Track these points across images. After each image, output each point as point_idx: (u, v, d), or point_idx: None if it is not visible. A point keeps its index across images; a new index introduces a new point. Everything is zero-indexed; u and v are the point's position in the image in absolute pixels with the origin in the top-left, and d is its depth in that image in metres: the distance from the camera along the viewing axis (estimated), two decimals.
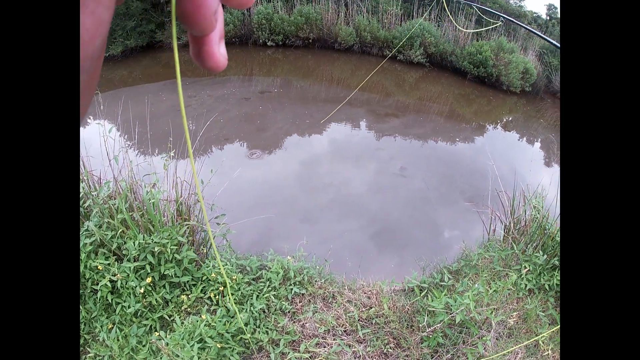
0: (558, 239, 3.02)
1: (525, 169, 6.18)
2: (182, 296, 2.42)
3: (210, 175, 2.81)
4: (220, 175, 3.50)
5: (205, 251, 2.83)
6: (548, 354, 2.48)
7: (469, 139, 6.88)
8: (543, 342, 2.55)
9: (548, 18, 13.46)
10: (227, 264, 2.57)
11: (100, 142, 2.69)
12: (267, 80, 7.84)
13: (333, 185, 4.56)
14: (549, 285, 2.85)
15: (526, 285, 2.82)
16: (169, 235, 2.43)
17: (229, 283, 2.46)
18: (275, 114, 6.29)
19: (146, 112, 4.91)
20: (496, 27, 10.48)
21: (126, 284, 2.26)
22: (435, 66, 9.83)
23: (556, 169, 7.03)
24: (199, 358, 2.00)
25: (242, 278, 2.49)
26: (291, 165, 4.94)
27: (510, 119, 9.13)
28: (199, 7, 0.25)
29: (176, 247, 2.43)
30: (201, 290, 2.47)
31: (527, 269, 2.86)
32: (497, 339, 2.49)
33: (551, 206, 3.36)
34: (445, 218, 4.26)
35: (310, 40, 9.30)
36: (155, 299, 2.35)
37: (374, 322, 2.39)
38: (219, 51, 0.29)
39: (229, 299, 2.36)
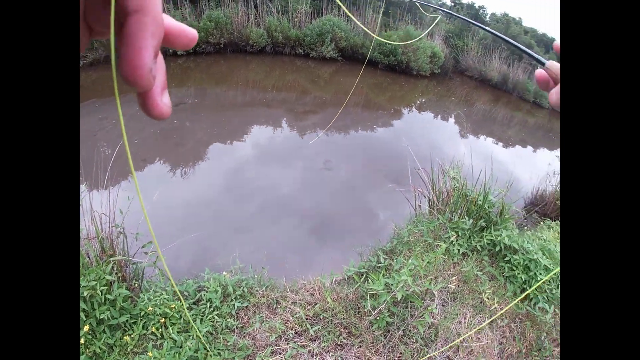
0: (480, 202, 3.29)
1: (443, 144, 6.72)
2: (125, 337, 2.23)
3: (129, 202, 2.61)
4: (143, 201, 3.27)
5: (137, 285, 2.63)
6: (495, 307, 2.72)
7: (387, 125, 7.28)
8: (488, 298, 2.80)
9: (452, 4, 14.76)
10: (162, 294, 2.41)
11: None
12: (181, 91, 7.47)
13: (261, 189, 4.51)
14: (480, 245, 3.09)
15: (459, 250, 3.01)
16: (97, 275, 2.23)
17: (184, 304, 2.32)
18: (193, 126, 6.03)
19: None
20: (403, 17, 11.16)
21: None
22: (347, 59, 10.20)
23: (470, 140, 7.76)
24: None
25: (181, 305, 2.36)
26: (215, 176, 4.78)
27: (424, 100, 9.84)
28: (135, 69, 0.28)
29: (106, 287, 2.23)
30: (143, 327, 2.30)
31: (455, 235, 3.10)
32: (442, 305, 2.67)
33: (468, 174, 3.69)
34: (375, 202, 4.47)
35: (222, 45, 9.05)
36: (99, 347, 2.15)
37: (321, 317, 2.43)
38: (162, 101, 0.32)
39: (192, 327, 2.22)
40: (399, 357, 2.37)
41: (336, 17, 9.87)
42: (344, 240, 3.79)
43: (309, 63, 9.62)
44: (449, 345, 2.39)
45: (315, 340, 2.34)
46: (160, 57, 0.31)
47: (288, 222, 3.97)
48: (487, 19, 15.10)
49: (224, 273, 2.53)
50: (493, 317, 2.60)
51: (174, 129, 5.89)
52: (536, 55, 0.57)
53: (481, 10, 14.80)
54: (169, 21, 0.32)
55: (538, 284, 2.59)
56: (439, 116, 8.92)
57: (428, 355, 2.32)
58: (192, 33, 0.34)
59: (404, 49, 9.93)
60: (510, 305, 2.62)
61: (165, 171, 4.82)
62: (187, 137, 5.67)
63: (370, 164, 5.36)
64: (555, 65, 0.51)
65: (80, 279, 2.18)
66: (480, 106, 10.63)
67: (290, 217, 4.06)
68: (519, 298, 2.66)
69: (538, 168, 5.88)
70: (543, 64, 0.54)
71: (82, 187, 2.52)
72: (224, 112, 6.70)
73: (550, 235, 3.81)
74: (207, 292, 2.43)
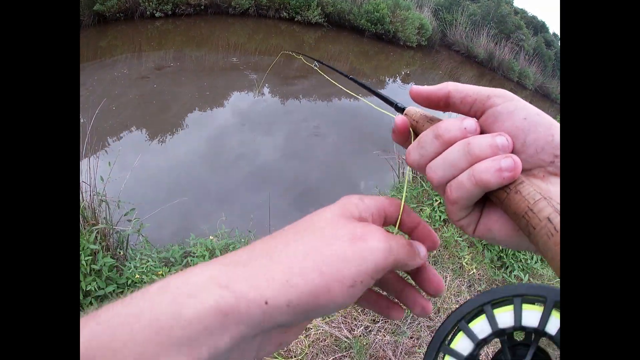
0: None
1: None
2: None
3: (110, 169, 2.56)
4: (122, 168, 3.20)
5: (122, 253, 2.62)
6: (473, 272, 2.86)
7: (370, 94, 7.23)
8: (467, 263, 2.94)
9: None
10: (148, 261, 2.42)
11: None
12: (159, 55, 7.14)
13: (245, 156, 4.47)
14: None
15: (440, 217, 3.14)
16: (80, 245, 2.20)
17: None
18: (173, 90, 5.82)
19: None
20: None
21: None
22: (333, 25, 9.90)
23: (452, 114, 7.81)
24: None
25: (168, 271, 2.38)
26: (198, 142, 4.69)
27: (409, 71, 9.76)
28: (438, 291, 0.34)
29: (91, 257, 2.20)
30: None
31: (438, 202, 3.20)
32: None
33: None
34: (360, 170, 4.52)
35: (202, 7, 8.60)
36: None
37: None
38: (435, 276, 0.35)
39: None
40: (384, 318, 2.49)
41: None
42: (324, 205, 3.85)
43: (294, 27, 9.30)
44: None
45: None
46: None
47: (273, 189, 3.97)
48: None
49: (210, 237, 2.55)
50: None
51: (154, 93, 5.68)
52: (394, 100, 0.46)
53: None
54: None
55: None
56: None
57: (410, 313, 2.44)
58: (434, 237, 0.36)
59: (392, 19, 9.70)
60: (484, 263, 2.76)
61: (146, 137, 4.69)
62: (168, 102, 5.48)
63: (356, 132, 5.37)
64: (415, 112, 0.40)
65: None
66: (465, 81, 10.58)
67: (275, 185, 4.06)
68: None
69: None
70: (402, 110, 0.43)
71: None
72: (205, 77, 6.48)
73: None
74: (193, 257, 2.45)
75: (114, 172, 2.59)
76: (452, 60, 12.01)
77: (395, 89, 8.08)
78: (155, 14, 8.08)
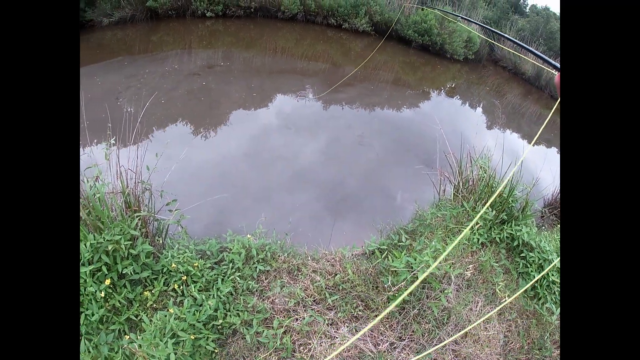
0: (505, 195, 3.23)
1: (470, 132, 6.52)
2: (145, 293, 2.27)
3: (156, 160, 2.64)
4: (167, 159, 3.31)
5: (161, 242, 2.69)
6: (505, 300, 2.72)
7: (415, 105, 7.09)
8: (500, 290, 2.79)
9: None
10: (185, 252, 2.46)
11: None
12: (208, 54, 7.40)
13: (288, 158, 4.50)
14: (499, 238, 3.08)
15: (478, 240, 3.01)
16: (121, 230, 2.25)
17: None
18: (221, 89, 6.00)
19: (80, 97, 4.43)
20: None
21: (85, 290, 2.07)
22: (380, 35, 9.86)
23: (498, 132, 7.51)
24: (175, 354, 1.92)
25: (204, 264, 2.41)
26: (243, 141, 4.78)
27: (454, 85, 9.50)
28: None
29: (130, 242, 2.27)
30: (164, 283, 2.36)
31: (478, 225, 3.06)
32: (457, 290, 2.68)
33: (497, 166, 3.59)
34: (399, 182, 4.42)
35: (252, 10, 8.85)
36: (118, 301, 2.18)
37: (340, 288, 2.45)
38: None
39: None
40: (410, 335, 2.39)
41: None
42: (364, 215, 3.78)
43: (341, 35, 9.35)
44: (460, 333, 2.39)
45: (332, 309, 2.38)
46: None
47: (312, 193, 3.97)
48: (527, 11, 14.29)
49: (248, 236, 2.56)
50: (500, 306, 2.58)
51: (204, 90, 5.88)
52: (553, 62, 0.56)
53: (521, 1, 13.99)
54: None
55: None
56: (467, 103, 8.63)
57: (442, 344, 2.33)
58: None
59: (440, 30, 9.52)
60: (517, 294, 2.59)
61: (193, 132, 4.84)
62: (216, 100, 5.66)
63: (399, 144, 5.28)
64: None
65: (104, 232, 2.22)
66: (511, 99, 10.23)
67: (314, 189, 4.06)
68: (525, 288, 2.62)
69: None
70: (559, 70, 0.54)
71: (112, 141, 2.53)
72: (253, 78, 6.64)
73: None
74: (229, 253, 2.47)
75: (160, 163, 2.66)
76: (499, 77, 11.58)
77: (440, 102, 7.88)
78: (207, 14, 8.41)
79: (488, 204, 1.84)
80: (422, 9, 9.93)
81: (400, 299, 1.33)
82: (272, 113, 5.61)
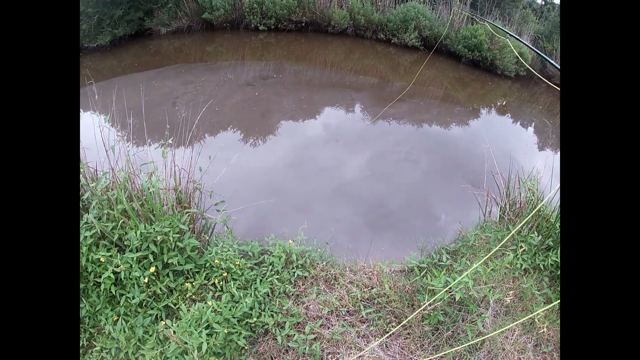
0: (552, 220, 3.08)
1: (520, 152, 6.24)
2: (186, 284, 2.43)
3: (209, 162, 2.81)
4: (219, 163, 3.51)
5: (206, 238, 2.85)
6: (544, 331, 2.56)
7: (464, 123, 6.91)
8: (539, 320, 2.64)
9: (543, 3, 13.42)
10: (229, 250, 2.59)
11: (94, 133, 2.65)
12: (260, 65, 7.73)
13: (334, 170, 4.57)
14: (543, 265, 2.92)
15: (522, 265, 2.88)
16: (171, 223, 2.43)
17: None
18: (273, 99, 6.24)
19: (140, 101, 4.84)
20: (491, 11, 10.41)
21: (130, 274, 2.25)
22: (429, 49, 9.77)
23: (549, 153, 7.11)
24: (207, 344, 2.03)
25: (245, 263, 2.52)
26: (290, 150, 4.93)
27: (504, 102, 9.16)
28: None
29: (178, 235, 2.44)
30: (205, 277, 2.49)
31: (522, 249, 2.92)
32: (494, 316, 2.57)
33: (545, 188, 3.42)
34: (444, 200, 4.32)
35: (303, 24, 9.15)
36: (160, 288, 2.35)
37: (375, 302, 2.45)
38: None
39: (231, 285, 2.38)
40: (441, 358, 2.32)
41: (421, 4, 9.44)
42: (405, 233, 3.74)
43: (390, 49, 9.38)
44: None
45: (365, 322, 2.38)
46: None
47: (354, 207, 4.00)
48: None
49: (290, 241, 2.64)
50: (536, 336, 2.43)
51: (256, 100, 6.16)
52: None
53: None
54: None
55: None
56: (519, 122, 8.27)
57: None
58: None
59: (490, 45, 9.26)
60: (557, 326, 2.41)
61: (244, 139, 5.08)
62: (268, 110, 5.90)
63: (446, 161, 5.18)
64: None
65: (155, 224, 2.40)
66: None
67: (357, 203, 4.08)
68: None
69: None
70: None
71: (170, 141, 2.74)
72: (302, 90, 6.84)
73: None
74: (270, 255, 2.56)
75: (212, 165, 2.83)
76: (551, 94, 10.98)
77: (490, 120, 7.63)
78: (259, 27, 8.82)
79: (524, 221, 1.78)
80: (472, 24, 9.73)
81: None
82: (319, 125, 5.74)
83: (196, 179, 2.88)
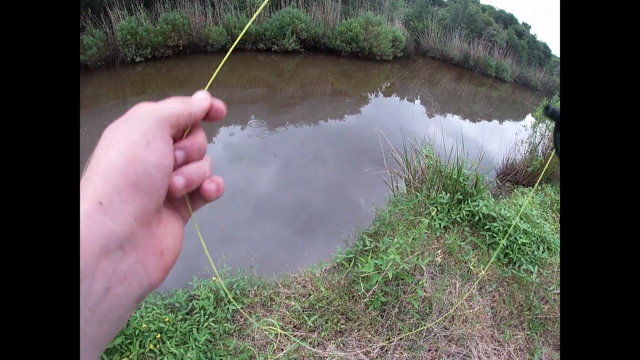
0: (455, 176, 3.38)
1: (413, 125, 6.84)
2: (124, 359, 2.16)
3: None
4: None
5: None
6: (482, 274, 2.83)
7: (357, 111, 7.33)
8: (473, 266, 2.90)
9: None
10: (154, 309, 2.36)
11: None
12: (143, 98, 7.18)
13: (241, 190, 4.46)
14: (459, 217, 3.20)
15: (440, 224, 3.12)
16: None
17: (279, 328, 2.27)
18: None
19: None
20: (362, 3, 11.17)
21: None
22: (310, 51, 10.14)
23: (437, 118, 7.94)
24: None
25: (174, 317, 2.32)
26: None
27: (389, 84, 9.96)
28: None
29: None
30: (140, 346, 2.24)
31: (435, 211, 3.20)
32: (432, 278, 2.76)
33: (440, 150, 3.79)
34: (355, 190, 4.53)
35: (181, 48, 8.77)
36: None
37: (317, 307, 2.45)
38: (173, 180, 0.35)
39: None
40: (398, 334, 2.43)
41: (295, 8, 9.75)
42: (329, 230, 3.82)
43: (272, 57, 9.51)
44: (444, 316, 2.48)
45: (314, 330, 2.37)
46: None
47: (278, 220, 3.95)
48: (445, 0, 15.29)
49: (213, 278, 2.50)
50: (477, 280, 2.70)
51: None
52: None
53: None
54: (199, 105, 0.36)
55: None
56: (405, 98, 9.07)
57: (426, 326, 2.40)
58: (216, 106, 0.38)
59: (366, 36, 9.97)
60: (490, 262, 2.73)
61: None
62: None
63: (353, 150, 5.42)
64: None
65: None
66: (445, 85, 10.88)
67: (280, 214, 4.04)
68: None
69: (506, 139, 6.04)
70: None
71: None
72: None
73: (525, 200, 3.98)
74: (199, 300, 2.40)
75: None
76: (429, 67, 12.30)
77: (380, 103, 8.22)
78: (136, 59, 8.21)
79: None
80: (346, 19, 10.37)
81: None
82: (219, 147, 5.55)
83: None
